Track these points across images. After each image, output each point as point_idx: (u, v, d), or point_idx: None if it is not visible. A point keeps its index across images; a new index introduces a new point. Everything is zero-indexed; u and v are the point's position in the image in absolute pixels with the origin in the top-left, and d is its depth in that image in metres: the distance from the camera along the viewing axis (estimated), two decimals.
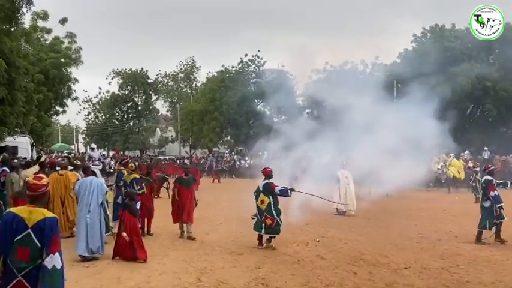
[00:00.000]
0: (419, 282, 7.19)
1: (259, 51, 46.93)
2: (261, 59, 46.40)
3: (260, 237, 9.54)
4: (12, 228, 3.85)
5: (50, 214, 4.02)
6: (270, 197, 9.40)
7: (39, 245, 3.83)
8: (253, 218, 9.88)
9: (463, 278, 7.38)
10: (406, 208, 15.61)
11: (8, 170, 11.06)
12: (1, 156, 11.29)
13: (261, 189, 9.54)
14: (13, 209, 4.11)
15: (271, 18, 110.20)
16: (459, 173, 21.52)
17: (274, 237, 9.46)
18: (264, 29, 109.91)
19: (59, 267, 3.80)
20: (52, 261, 3.78)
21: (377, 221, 12.92)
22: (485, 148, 27.26)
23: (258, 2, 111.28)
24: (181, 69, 56.93)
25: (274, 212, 9.38)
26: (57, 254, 3.82)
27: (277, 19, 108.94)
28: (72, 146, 55.56)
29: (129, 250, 8.18)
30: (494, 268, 7.87)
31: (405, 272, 7.69)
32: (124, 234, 8.06)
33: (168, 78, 57.40)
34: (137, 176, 10.44)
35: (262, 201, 9.45)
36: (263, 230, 9.43)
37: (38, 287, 3.81)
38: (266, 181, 9.56)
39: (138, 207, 9.08)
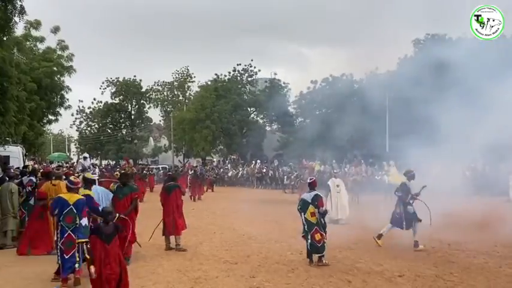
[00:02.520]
0: None
1: (252, 60, 47.36)
2: (254, 67, 46.72)
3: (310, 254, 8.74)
4: (61, 205, 7.22)
5: (80, 196, 7.40)
6: (318, 209, 8.71)
7: (76, 213, 7.17)
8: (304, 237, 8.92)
9: (457, 285, 7.40)
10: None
11: (34, 179, 11.01)
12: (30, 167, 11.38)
13: (309, 200, 8.76)
14: (61, 195, 7.54)
15: (268, 27, 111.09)
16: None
17: (323, 255, 8.68)
18: (261, 37, 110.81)
19: (85, 224, 7.22)
20: (85, 220, 7.26)
21: (370, 229, 12.92)
22: None
23: (254, 12, 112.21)
24: (176, 78, 57.23)
25: (322, 225, 8.71)
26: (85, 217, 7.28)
27: (274, 28, 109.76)
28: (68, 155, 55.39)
29: None
30: (487, 276, 7.90)
31: (399, 280, 7.70)
32: (92, 269, 5.72)
33: (163, 87, 57.63)
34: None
35: (313, 214, 8.69)
36: (307, 248, 8.70)
37: (78, 235, 7.09)
38: (315, 193, 8.87)
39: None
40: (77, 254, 7.10)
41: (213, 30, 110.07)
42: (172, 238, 10.14)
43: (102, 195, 8.72)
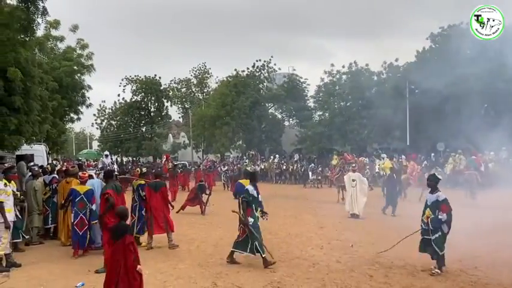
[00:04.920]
0: (437, 284, 7.12)
1: (272, 57, 46.91)
2: (275, 64, 46.40)
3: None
4: (74, 195, 9.30)
5: (89, 187, 9.45)
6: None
7: (86, 201, 9.27)
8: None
9: (482, 279, 7.28)
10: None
11: (57, 177, 11.28)
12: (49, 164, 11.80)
13: (428, 203, 7.90)
14: (73, 186, 9.60)
15: (286, 20, 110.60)
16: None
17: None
18: (280, 31, 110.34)
19: (95, 209, 9.24)
20: (94, 206, 9.26)
21: (392, 223, 12.80)
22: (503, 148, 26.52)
23: (272, 5, 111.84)
24: (194, 75, 57.52)
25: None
26: (95, 204, 9.25)
27: (292, 21, 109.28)
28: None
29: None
30: None
31: (422, 275, 7.62)
32: (140, 267, 5.59)
33: (181, 84, 57.94)
34: (143, 182, 10.33)
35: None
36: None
37: (91, 218, 9.25)
38: (441, 196, 7.75)
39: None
40: (89, 232, 9.24)
41: (231, 25, 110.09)
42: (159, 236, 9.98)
43: (97, 188, 9.64)
